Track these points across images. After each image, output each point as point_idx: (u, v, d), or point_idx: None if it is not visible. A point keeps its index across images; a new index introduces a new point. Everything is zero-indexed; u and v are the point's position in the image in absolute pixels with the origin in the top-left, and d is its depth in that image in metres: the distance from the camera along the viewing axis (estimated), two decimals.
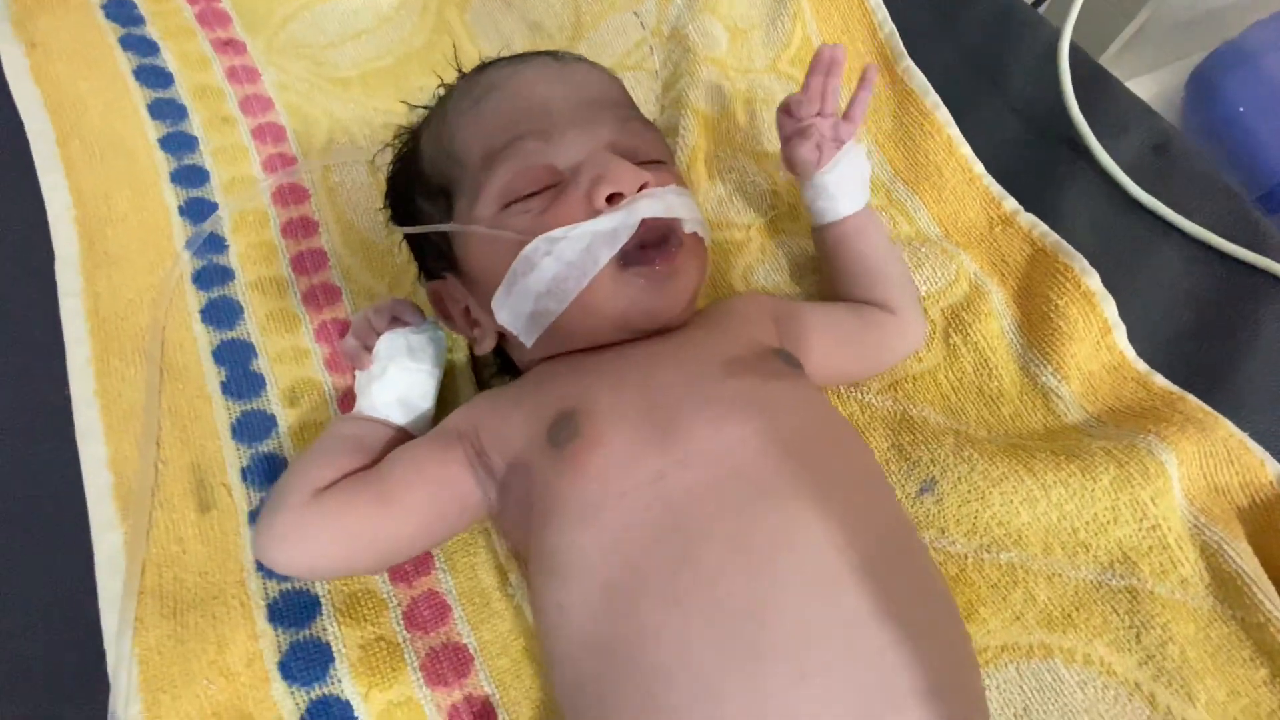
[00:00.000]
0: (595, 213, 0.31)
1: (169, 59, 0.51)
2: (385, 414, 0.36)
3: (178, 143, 0.48)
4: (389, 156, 0.42)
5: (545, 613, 0.29)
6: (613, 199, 0.32)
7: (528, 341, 0.33)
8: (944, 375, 0.44)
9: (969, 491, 0.38)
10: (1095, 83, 0.51)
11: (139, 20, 0.51)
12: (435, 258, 0.37)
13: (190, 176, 0.47)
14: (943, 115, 0.51)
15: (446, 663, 0.34)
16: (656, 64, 0.55)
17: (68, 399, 0.38)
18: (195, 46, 0.52)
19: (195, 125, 0.49)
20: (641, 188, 0.32)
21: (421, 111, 0.41)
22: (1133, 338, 0.43)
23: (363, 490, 0.32)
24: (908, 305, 0.41)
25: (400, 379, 0.36)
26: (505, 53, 0.56)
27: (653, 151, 0.35)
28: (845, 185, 0.42)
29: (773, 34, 0.57)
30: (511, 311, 0.33)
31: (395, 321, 0.38)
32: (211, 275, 0.44)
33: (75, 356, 0.39)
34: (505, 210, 0.33)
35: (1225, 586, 0.37)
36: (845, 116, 0.43)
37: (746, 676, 0.23)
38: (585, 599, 0.27)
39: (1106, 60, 0.62)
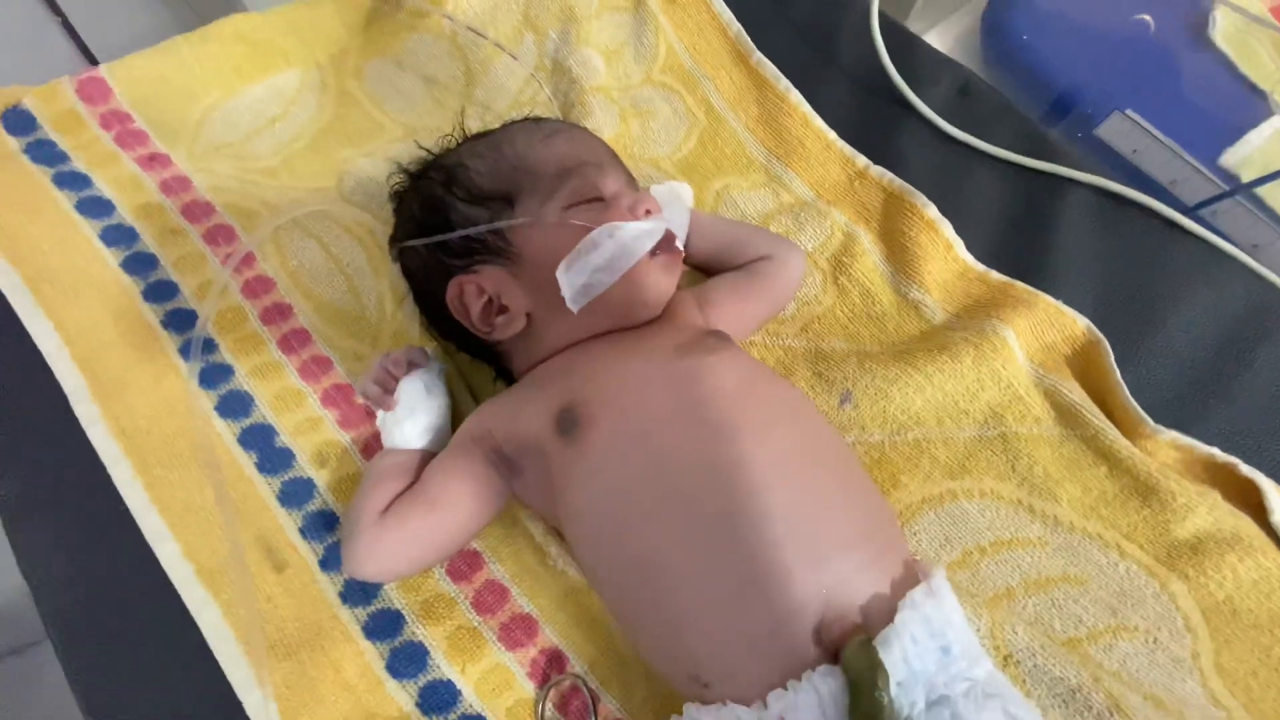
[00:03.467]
0: (638, 220, 0.43)
1: (103, 187, 0.54)
2: (417, 445, 0.44)
3: (138, 263, 0.52)
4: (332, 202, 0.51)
5: (583, 556, 0.39)
6: (648, 214, 0.44)
7: (575, 307, 0.42)
8: (839, 310, 0.55)
9: (875, 394, 0.50)
10: (905, 44, 0.63)
11: (63, 157, 0.54)
12: (467, 254, 0.45)
13: (160, 292, 0.51)
14: (795, 97, 0.61)
15: (518, 630, 0.43)
16: (548, 95, 0.63)
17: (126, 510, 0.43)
18: (124, 170, 0.55)
19: (148, 243, 0.53)
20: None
21: (421, 153, 0.51)
22: (970, 247, 0.56)
23: (413, 503, 0.41)
24: (773, 245, 0.52)
25: (425, 415, 0.45)
26: (408, 110, 0.62)
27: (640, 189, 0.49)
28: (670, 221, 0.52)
29: (640, 50, 0.65)
30: (571, 280, 0.42)
31: (411, 366, 0.46)
32: (214, 374, 0.49)
33: (120, 474, 0.44)
34: (568, 211, 0.43)
35: (1065, 415, 0.50)
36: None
37: (719, 558, 0.34)
38: (605, 536, 0.37)
39: (914, 16, 0.74)
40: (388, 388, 0.45)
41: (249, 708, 0.39)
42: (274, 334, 0.52)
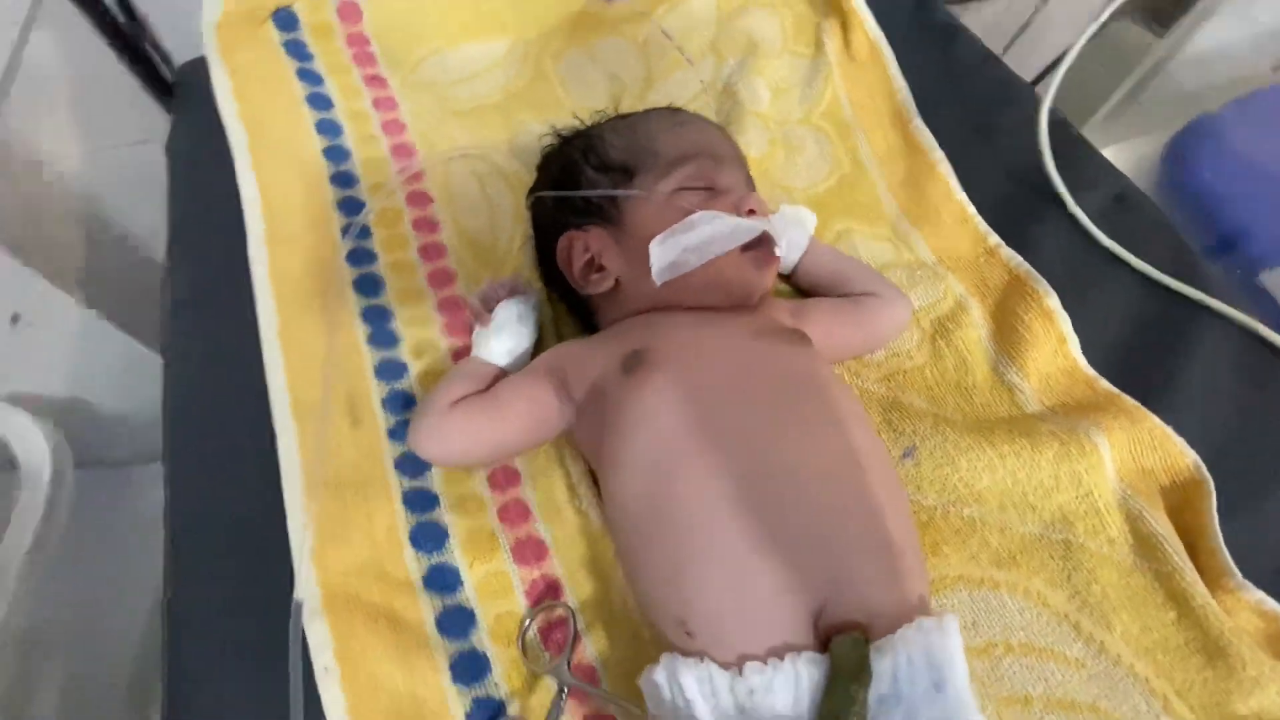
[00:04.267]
0: (739, 215, 0.46)
1: (331, 89, 0.65)
2: (497, 360, 0.49)
3: (336, 153, 0.62)
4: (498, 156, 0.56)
5: (613, 492, 0.41)
6: (750, 214, 0.47)
7: (659, 280, 0.46)
8: (929, 371, 0.54)
9: (941, 458, 0.48)
10: (1071, 144, 0.62)
11: (310, 57, 0.66)
12: (585, 214, 0.50)
13: (344, 179, 0.60)
14: (944, 167, 0.63)
15: (529, 550, 0.46)
16: (712, 113, 0.68)
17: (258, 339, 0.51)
18: (351, 80, 0.66)
19: (349, 140, 0.63)
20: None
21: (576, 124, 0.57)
22: (1086, 350, 0.53)
23: (481, 406, 0.45)
24: (883, 287, 0.53)
25: (511, 336, 0.49)
26: (587, 97, 0.69)
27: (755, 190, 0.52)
28: (787, 242, 0.54)
29: (807, 92, 0.69)
30: (662, 254, 0.46)
31: (512, 292, 0.51)
32: (360, 256, 0.57)
33: (263, 308, 0.52)
34: (678, 193, 0.47)
35: (1144, 545, 0.46)
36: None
37: (740, 517, 0.34)
38: (638, 472, 0.39)
39: (1091, 126, 0.73)
40: (488, 305, 0.50)
41: (291, 523, 0.44)
42: (418, 240, 0.59)
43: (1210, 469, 0.48)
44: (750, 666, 0.31)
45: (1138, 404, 0.50)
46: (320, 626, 0.40)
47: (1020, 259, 0.57)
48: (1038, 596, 0.45)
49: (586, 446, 0.46)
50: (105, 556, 0.72)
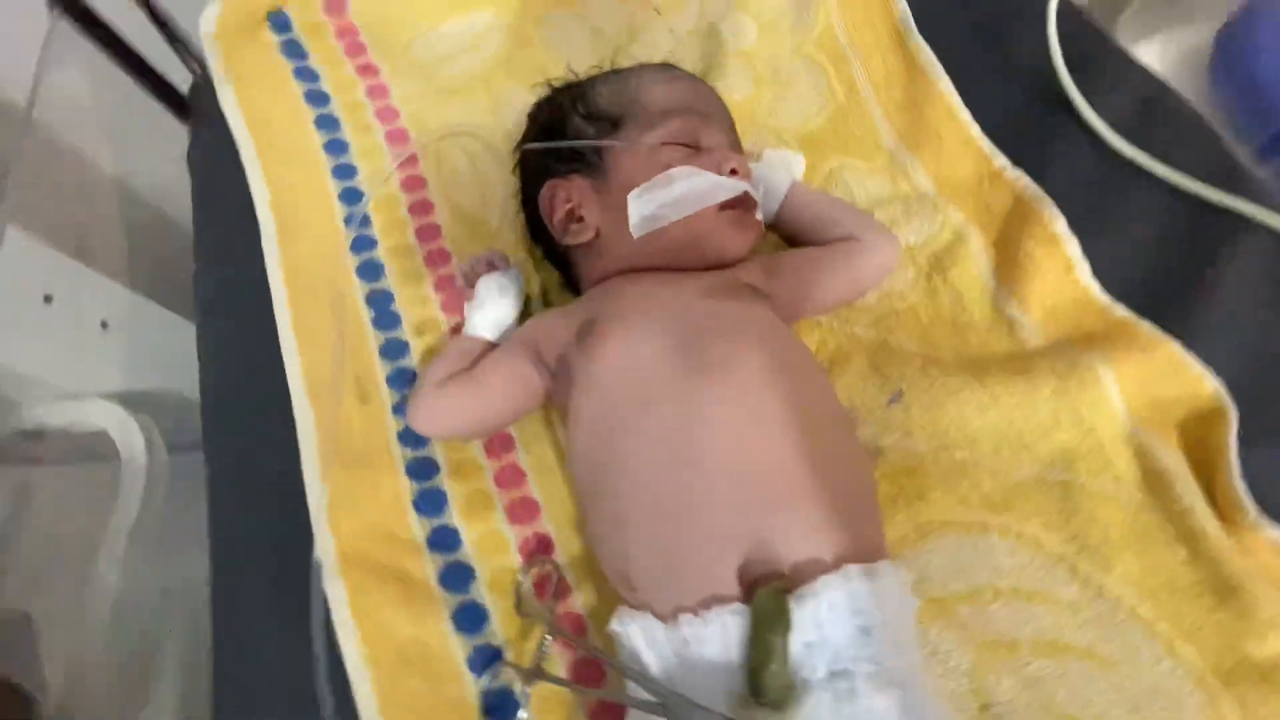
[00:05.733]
0: (720, 175, 0.46)
1: (327, 84, 0.68)
2: (481, 333, 0.51)
3: (335, 147, 0.65)
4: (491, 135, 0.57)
5: (571, 455, 0.43)
6: (732, 173, 0.47)
7: (636, 234, 0.47)
8: (923, 311, 0.52)
9: (930, 401, 0.47)
10: (1090, 44, 0.56)
11: (305, 55, 0.69)
12: (569, 161, 0.50)
13: (344, 172, 0.64)
14: (945, 85, 0.58)
15: (521, 510, 0.49)
16: (696, 58, 0.65)
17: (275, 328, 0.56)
18: (345, 73, 0.68)
19: (346, 133, 0.65)
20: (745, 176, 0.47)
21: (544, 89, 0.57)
22: (1104, 275, 0.49)
23: (464, 382, 0.48)
24: (866, 230, 0.51)
25: (493, 308, 0.51)
26: (572, 57, 0.69)
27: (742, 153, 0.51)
28: (764, 188, 0.52)
29: (798, 21, 0.65)
30: (639, 207, 0.47)
31: (490, 266, 0.53)
32: (362, 243, 0.60)
33: (278, 300, 0.57)
34: (662, 148, 0.47)
35: (1153, 482, 0.43)
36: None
37: (668, 475, 0.36)
38: (586, 435, 0.41)
39: (1125, 24, 0.64)
40: (470, 281, 0.53)
41: (310, 494, 0.49)
42: (414, 223, 0.62)
43: (1239, 397, 0.44)
44: (683, 619, 0.33)
45: (1154, 329, 0.46)
46: (337, 584, 0.45)
47: (1028, 180, 0.53)
48: (1031, 539, 0.44)
49: (560, 413, 0.48)
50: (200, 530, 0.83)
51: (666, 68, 0.54)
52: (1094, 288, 0.49)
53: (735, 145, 0.52)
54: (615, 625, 0.36)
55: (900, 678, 0.30)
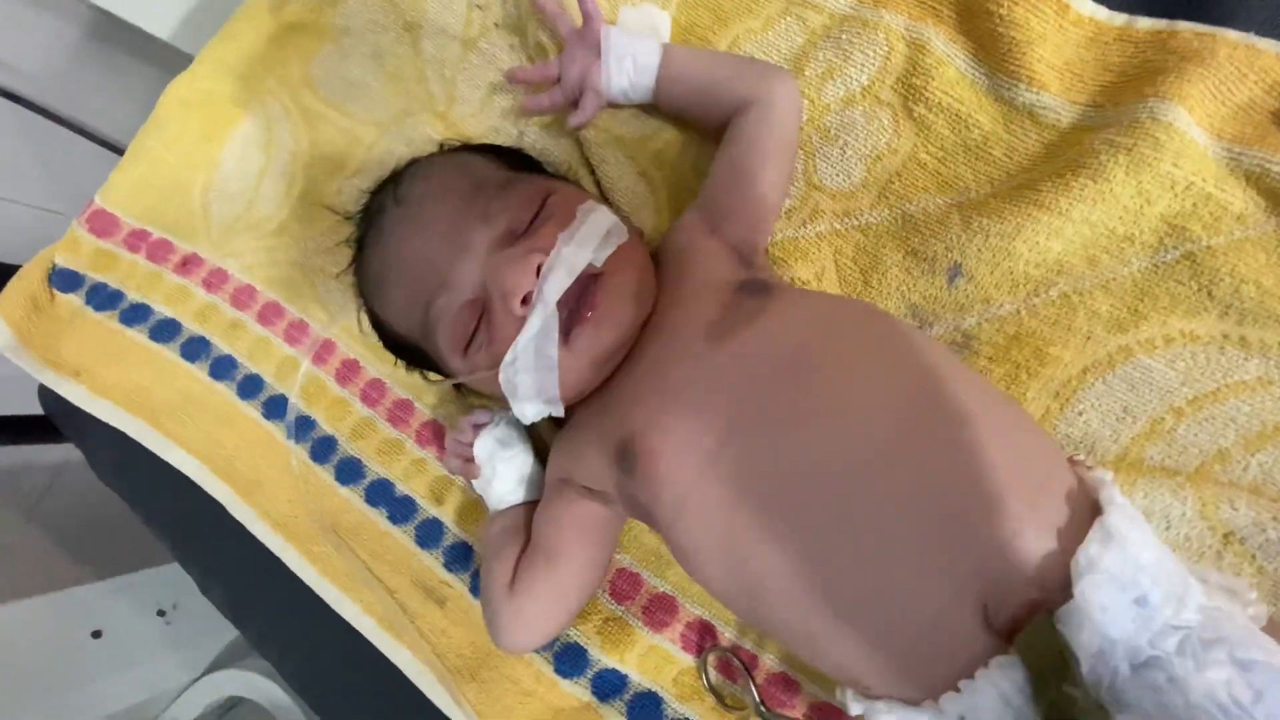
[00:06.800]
0: (521, 319, 0.36)
1: (162, 308, 0.56)
2: (513, 500, 0.44)
3: (221, 367, 0.55)
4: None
5: (693, 574, 0.36)
6: (525, 298, 0.35)
7: (559, 414, 0.38)
8: (925, 154, 0.42)
9: (995, 255, 0.39)
10: None
11: (118, 295, 0.57)
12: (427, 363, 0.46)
13: (249, 387, 0.54)
14: None
15: (658, 610, 0.44)
16: (494, 22, 0.52)
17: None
18: (169, 284, 0.57)
19: (219, 346, 0.55)
20: (537, 270, 0.35)
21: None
22: None
23: (533, 565, 0.40)
24: (752, 84, 0.42)
25: (509, 469, 0.43)
26: (371, 104, 0.56)
27: (525, 212, 0.38)
28: (632, 63, 0.43)
29: None
30: (527, 413, 0.38)
31: (477, 429, 0.44)
32: (321, 448, 0.52)
33: (289, 558, 0.50)
34: (466, 356, 0.38)
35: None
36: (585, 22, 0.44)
37: (837, 570, 0.29)
38: (709, 567, 0.34)
39: None
40: (465, 456, 0.44)
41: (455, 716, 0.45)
42: (353, 391, 0.53)
43: None
44: (946, 698, 0.28)
45: (1201, 29, 0.36)
46: None
47: None
48: (1183, 336, 0.37)
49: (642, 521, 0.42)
50: None
51: (363, 266, 0.44)
52: (1100, 12, 0.39)
53: (488, 236, 0.37)
54: (858, 709, 0.31)
55: (1212, 629, 0.25)
